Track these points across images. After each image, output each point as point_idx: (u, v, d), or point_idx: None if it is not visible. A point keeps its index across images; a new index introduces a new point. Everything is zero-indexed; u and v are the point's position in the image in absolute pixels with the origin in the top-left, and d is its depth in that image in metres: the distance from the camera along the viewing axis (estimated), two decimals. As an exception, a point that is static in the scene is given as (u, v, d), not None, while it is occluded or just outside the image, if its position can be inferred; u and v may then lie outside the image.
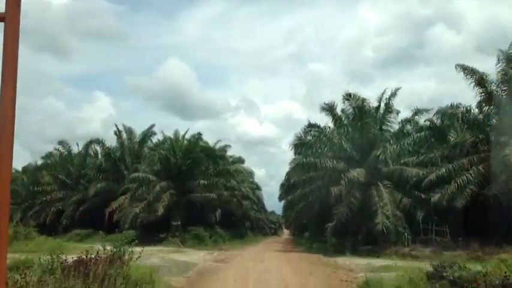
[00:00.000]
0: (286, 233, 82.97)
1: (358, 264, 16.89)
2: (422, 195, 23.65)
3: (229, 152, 42.81)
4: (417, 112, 27.15)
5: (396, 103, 27.25)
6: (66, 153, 43.63)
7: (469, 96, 26.38)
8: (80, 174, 41.17)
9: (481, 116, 24.00)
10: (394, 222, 22.98)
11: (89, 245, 13.15)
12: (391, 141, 26.82)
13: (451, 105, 26.21)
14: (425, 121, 27.92)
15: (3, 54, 1.54)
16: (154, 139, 39.36)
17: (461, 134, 24.81)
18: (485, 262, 13.58)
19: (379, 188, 24.43)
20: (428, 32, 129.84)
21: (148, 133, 39.19)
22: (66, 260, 7.83)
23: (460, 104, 26.10)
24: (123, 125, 40.53)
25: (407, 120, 27.34)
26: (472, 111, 25.20)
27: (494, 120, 23.29)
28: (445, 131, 25.60)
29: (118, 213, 31.27)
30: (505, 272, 6.21)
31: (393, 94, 26.58)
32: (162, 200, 29.12)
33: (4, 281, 1.37)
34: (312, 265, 17.27)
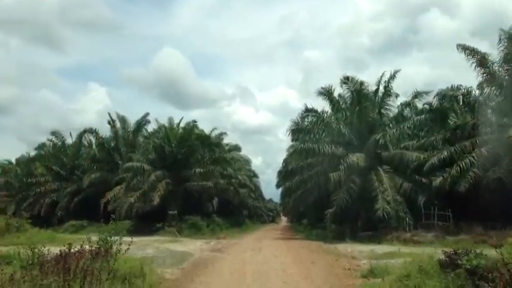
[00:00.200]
0: (284, 220, 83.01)
1: (360, 251, 16.37)
2: (424, 180, 23.17)
3: (226, 140, 42.25)
4: (416, 95, 26.46)
5: (393, 87, 26.49)
6: (59, 143, 42.88)
7: (464, 81, 25.86)
8: (74, 164, 40.47)
9: (482, 98, 23.40)
10: (395, 207, 22.50)
11: (84, 236, 12.45)
12: (391, 125, 26.20)
13: (452, 87, 25.63)
14: (424, 104, 27.39)
15: None
16: (149, 128, 38.64)
17: (462, 116, 24.23)
18: (491, 247, 13.09)
19: (379, 172, 23.91)
20: (423, 17, 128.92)
21: (142, 122, 38.43)
22: (49, 253, 7.21)
23: (460, 85, 25.55)
24: (117, 113, 39.74)
25: (406, 104, 26.67)
26: (473, 92, 24.70)
27: (496, 101, 22.66)
28: (445, 113, 25.01)
29: (113, 204, 30.67)
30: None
31: (392, 77, 25.88)
32: (157, 190, 28.57)
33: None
34: (312, 253, 16.76)
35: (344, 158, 23.78)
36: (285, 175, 37.75)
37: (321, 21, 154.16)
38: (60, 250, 6.90)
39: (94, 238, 8.37)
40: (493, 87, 22.21)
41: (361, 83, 25.60)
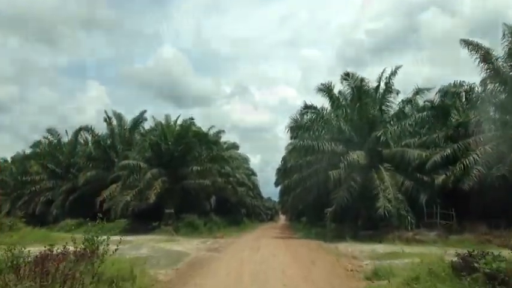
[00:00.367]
0: (282, 218, 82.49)
1: (361, 251, 15.85)
2: (426, 178, 22.63)
3: (224, 138, 41.68)
4: (418, 92, 25.95)
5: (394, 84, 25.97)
6: (55, 141, 42.31)
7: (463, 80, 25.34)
8: (70, 162, 39.89)
9: (485, 94, 22.89)
10: (396, 206, 21.95)
11: (79, 235, 11.87)
12: (392, 122, 25.67)
13: (454, 83, 25.16)
14: (425, 102, 26.90)
15: None
16: (147, 126, 38.07)
17: (465, 113, 23.71)
18: (498, 247, 12.59)
19: (380, 170, 23.37)
20: (422, 16, 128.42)
21: (139, 119, 37.86)
22: (29, 255, 6.65)
23: (463, 82, 25.09)
24: (113, 111, 39.17)
25: (407, 101, 26.15)
26: (476, 89, 24.21)
27: (499, 98, 22.15)
28: (447, 110, 24.50)
29: (108, 202, 30.11)
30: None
31: (393, 73, 25.35)
32: (153, 188, 28.01)
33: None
34: (312, 252, 16.24)
35: (344, 156, 23.27)
36: (283, 173, 37.24)
37: (320, 20, 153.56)
38: (40, 251, 6.35)
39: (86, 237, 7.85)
40: (497, 84, 21.68)
41: (362, 80, 25.07)
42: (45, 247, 6.52)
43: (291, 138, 27.68)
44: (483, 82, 22.73)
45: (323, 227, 26.23)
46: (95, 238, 7.50)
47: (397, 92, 26.15)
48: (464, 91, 24.36)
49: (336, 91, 26.84)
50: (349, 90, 25.77)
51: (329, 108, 26.79)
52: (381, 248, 16.89)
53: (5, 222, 24.07)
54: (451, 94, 25.20)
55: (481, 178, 19.28)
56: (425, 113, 24.96)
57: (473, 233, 18.34)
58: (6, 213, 33.19)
